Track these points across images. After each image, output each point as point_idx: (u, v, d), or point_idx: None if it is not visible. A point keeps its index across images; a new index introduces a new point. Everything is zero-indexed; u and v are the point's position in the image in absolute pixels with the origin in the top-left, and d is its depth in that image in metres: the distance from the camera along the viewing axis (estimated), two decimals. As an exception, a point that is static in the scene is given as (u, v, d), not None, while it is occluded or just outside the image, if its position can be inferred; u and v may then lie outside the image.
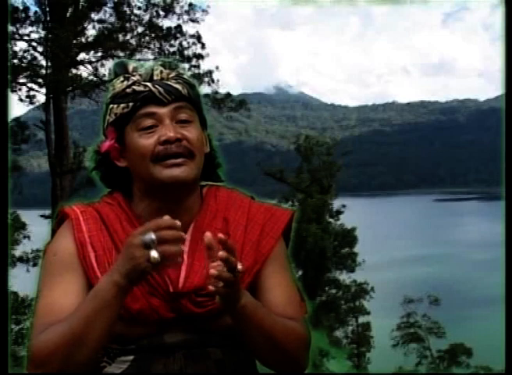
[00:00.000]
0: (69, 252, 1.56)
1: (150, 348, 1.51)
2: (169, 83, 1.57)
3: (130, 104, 1.56)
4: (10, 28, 16.75)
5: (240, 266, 1.40)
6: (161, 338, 1.52)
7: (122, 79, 1.60)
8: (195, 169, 1.57)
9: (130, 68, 1.62)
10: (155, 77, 1.59)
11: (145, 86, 1.56)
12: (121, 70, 1.62)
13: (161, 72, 1.59)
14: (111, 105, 1.59)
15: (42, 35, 18.68)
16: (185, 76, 1.62)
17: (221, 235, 1.39)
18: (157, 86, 1.56)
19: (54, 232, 1.65)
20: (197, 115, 1.63)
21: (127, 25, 19.08)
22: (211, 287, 1.38)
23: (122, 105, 1.57)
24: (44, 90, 18.87)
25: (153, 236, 1.34)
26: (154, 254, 1.34)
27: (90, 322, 1.39)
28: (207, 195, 1.68)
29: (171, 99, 1.56)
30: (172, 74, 1.60)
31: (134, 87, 1.57)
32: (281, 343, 1.52)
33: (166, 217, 1.38)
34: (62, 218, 1.64)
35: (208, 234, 1.40)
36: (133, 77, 1.59)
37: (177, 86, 1.57)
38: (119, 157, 1.61)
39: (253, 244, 1.62)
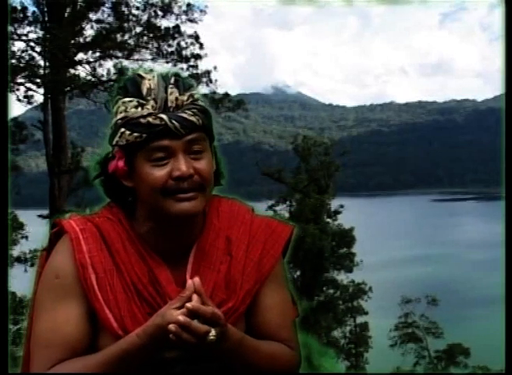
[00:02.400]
0: (71, 276, 1.56)
1: (149, 363, 1.52)
2: (185, 115, 1.52)
3: (144, 135, 1.51)
4: (8, 28, 16.71)
5: (211, 336, 1.42)
6: (160, 354, 1.51)
7: (135, 103, 1.54)
8: (204, 201, 1.57)
9: (144, 90, 1.54)
10: (170, 104, 1.53)
11: (161, 119, 1.50)
12: (134, 89, 1.55)
13: (177, 99, 1.54)
14: (122, 129, 1.54)
15: (40, 35, 18.64)
16: (199, 102, 1.57)
17: (197, 284, 1.46)
18: (173, 121, 1.50)
19: (50, 242, 1.64)
20: (208, 136, 1.60)
21: (125, 25, 19.05)
22: (171, 327, 1.41)
23: (135, 134, 1.52)
24: (42, 90, 18.85)
25: (214, 332, 1.43)
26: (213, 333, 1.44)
27: None
28: (209, 211, 1.68)
29: (185, 132, 1.53)
30: (186, 100, 1.55)
31: (150, 119, 1.51)
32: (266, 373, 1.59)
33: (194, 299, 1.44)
34: (60, 230, 1.63)
35: (197, 280, 1.45)
36: (147, 106, 1.52)
37: (192, 119, 1.53)
38: (127, 177, 1.58)
39: (254, 264, 1.64)
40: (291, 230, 1.73)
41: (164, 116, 1.51)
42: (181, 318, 1.39)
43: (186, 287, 1.46)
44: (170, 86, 1.55)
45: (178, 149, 1.52)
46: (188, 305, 1.40)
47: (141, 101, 1.53)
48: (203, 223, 1.65)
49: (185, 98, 1.55)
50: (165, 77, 1.57)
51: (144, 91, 1.54)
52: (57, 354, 1.51)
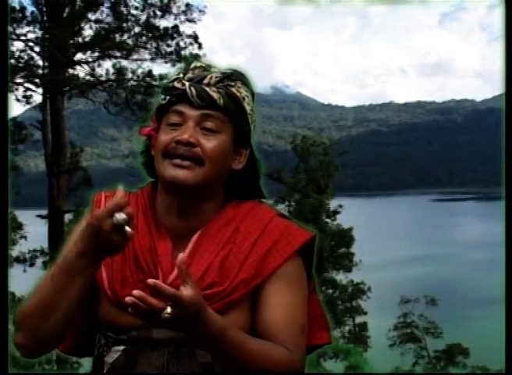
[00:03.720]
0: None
1: (138, 340, 1.52)
2: (207, 89, 1.57)
3: (167, 97, 1.60)
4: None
5: (166, 314, 1.33)
6: (149, 332, 1.51)
7: (177, 72, 1.65)
8: (200, 176, 1.55)
9: (192, 66, 1.64)
10: (204, 80, 1.59)
11: (183, 84, 1.59)
12: (186, 66, 1.66)
13: (212, 78, 1.60)
14: (161, 95, 1.65)
15: (39, 35, 18.69)
16: (233, 89, 1.60)
17: (181, 258, 1.36)
18: (192, 88, 1.57)
19: None
20: (234, 128, 1.61)
21: (124, 25, 19.08)
22: (127, 299, 1.33)
23: (162, 97, 1.62)
24: (40, 90, 18.88)
25: (124, 216, 1.39)
26: (128, 229, 1.41)
27: (59, 293, 1.47)
28: (229, 203, 1.67)
29: (202, 104, 1.57)
30: (221, 82, 1.60)
31: (175, 83, 1.60)
32: (254, 372, 1.47)
33: (119, 192, 1.43)
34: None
35: (181, 256, 1.37)
36: (182, 74, 1.63)
37: (213, 94, 1.57)
38: (155, 145, 1.64)
39: (257, 257, 1.58)
40: (310, 236, 1.64)
41: (186, 82, 1.59)
42: (136, 292, 1.32)
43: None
44: (218, 72, 1.62)
45: (190, 118, 1.57)
46: (149, 281, 1.32)
47: (183, 72, 1.64)
48: (218, 211, 1.64)
49: (222, 81, 1.60)
50: (223, 69, 1.65)
51: (191, 66, 1.64)
52: None
